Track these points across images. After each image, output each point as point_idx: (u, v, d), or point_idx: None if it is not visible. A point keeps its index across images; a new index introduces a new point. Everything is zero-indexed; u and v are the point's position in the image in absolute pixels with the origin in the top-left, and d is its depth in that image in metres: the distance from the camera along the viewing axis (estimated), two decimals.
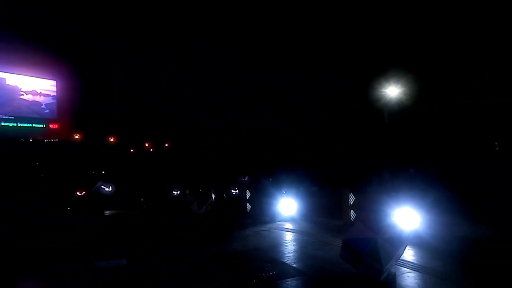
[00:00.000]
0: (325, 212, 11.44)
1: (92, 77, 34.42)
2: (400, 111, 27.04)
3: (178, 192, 16.55)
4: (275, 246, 8.22)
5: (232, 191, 14.92)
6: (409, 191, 9.21)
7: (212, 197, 13.03)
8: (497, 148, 29.41)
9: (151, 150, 34.30)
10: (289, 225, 10.37)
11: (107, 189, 16.74)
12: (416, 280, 5.62)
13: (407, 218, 7.50)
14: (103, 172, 24.66)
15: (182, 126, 36.25)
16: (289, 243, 8.52)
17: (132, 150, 32.40)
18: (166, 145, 35.88)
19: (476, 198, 9.80)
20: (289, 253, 7.65)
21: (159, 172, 24.87)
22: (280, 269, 6.46)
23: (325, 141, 30.97)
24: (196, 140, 34.65)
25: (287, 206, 11.17)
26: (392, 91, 26.44)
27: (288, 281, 5.92)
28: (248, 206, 12.57)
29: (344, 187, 10.11)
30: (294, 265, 6.71)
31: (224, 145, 33.15)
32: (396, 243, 4.72)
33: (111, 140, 32.41)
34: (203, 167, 26.01)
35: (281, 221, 10.90)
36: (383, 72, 26.33)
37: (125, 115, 33.99)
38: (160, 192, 17.74)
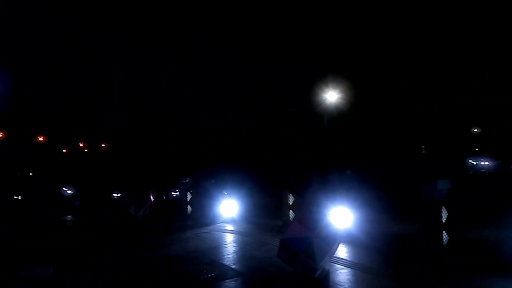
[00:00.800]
0: (266, 213, 11.60)
1: (19, 71, 31.71)
2: (339, 115, 28.40)
3: (119, 195, 15.86)
4: (215, 248, 8.15)
5: (173, 193, 14.54)
6: (345, 191, 9.64)
7: (151, 200, 12.59)
8: (423, 152, 32.27)
9: (86, 150, 32.44)
10: (230, 227, 10.34)
11: (68, 191, 15.86)
12: (348, 276, 5.90)
13: (341, 217, 7.83)
14: (31, 174, 22.82)
15: (121, 125, 34.70)
16: (229, 244, 8.49)
17: (64, 151, 30.38)
18: (103, 145, 34.12)
19: (403, 197, 10.55)
20: (228, 254, 7.63)
21: (96, 174, 23.61)
22: (219, 271, 6.41)
23: (267, 142, 31.52)
24: (136, 140, 33.39)
25: (229, 207, 11.13)
26: (331, 96, 27.72)
27: (226, 282, 5.91)
28: (189, 208, 12.32)
29: (284, 188, 10.31)
30: (233, 266, 6.71)
31: (166, 145, 32.33)
32: (330, 241, 4.91)
33: (40, 139, 30.07)
34: (143, 168, 25.16)
35: (222, 222, 10.84)
36: (324, 77, 27.47)
37: (56, 113, 31.76)
38: (97, 195, 16.83)
